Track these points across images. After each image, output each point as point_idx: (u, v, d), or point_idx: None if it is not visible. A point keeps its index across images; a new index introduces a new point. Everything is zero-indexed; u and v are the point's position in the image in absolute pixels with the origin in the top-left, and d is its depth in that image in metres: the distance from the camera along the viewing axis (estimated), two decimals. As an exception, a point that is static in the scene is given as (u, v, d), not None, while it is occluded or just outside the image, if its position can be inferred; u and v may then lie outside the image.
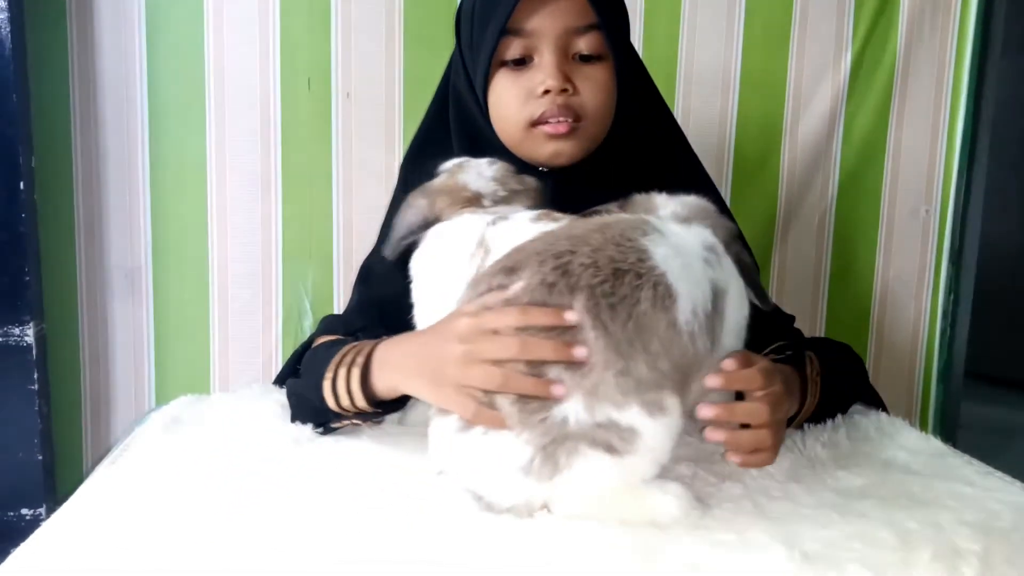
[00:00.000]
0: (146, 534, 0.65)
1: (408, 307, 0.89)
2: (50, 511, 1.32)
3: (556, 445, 0.65)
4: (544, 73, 0.92)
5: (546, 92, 0.92)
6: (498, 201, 0.88)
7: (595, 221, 0.73)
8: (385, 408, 0.83)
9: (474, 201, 0.87)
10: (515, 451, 0.66)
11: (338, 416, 0.85)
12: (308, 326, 1.43)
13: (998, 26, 1.70)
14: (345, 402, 0.81)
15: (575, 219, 0.79)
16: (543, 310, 0.66)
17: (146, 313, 1.43)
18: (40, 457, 1.30)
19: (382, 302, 0.98)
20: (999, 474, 0.81)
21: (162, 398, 1.41)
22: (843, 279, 1.66)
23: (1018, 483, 0.80)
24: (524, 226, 0.80)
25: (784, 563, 0.60)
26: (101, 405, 1.44)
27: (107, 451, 1.37)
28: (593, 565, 0.60)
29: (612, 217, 0.76)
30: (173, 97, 1.38)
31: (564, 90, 0.93)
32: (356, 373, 0.80)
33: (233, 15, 1.37)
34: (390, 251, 0.89)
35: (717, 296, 0.71)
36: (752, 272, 0.78)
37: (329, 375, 0.82)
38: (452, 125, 1.04)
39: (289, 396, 0.93)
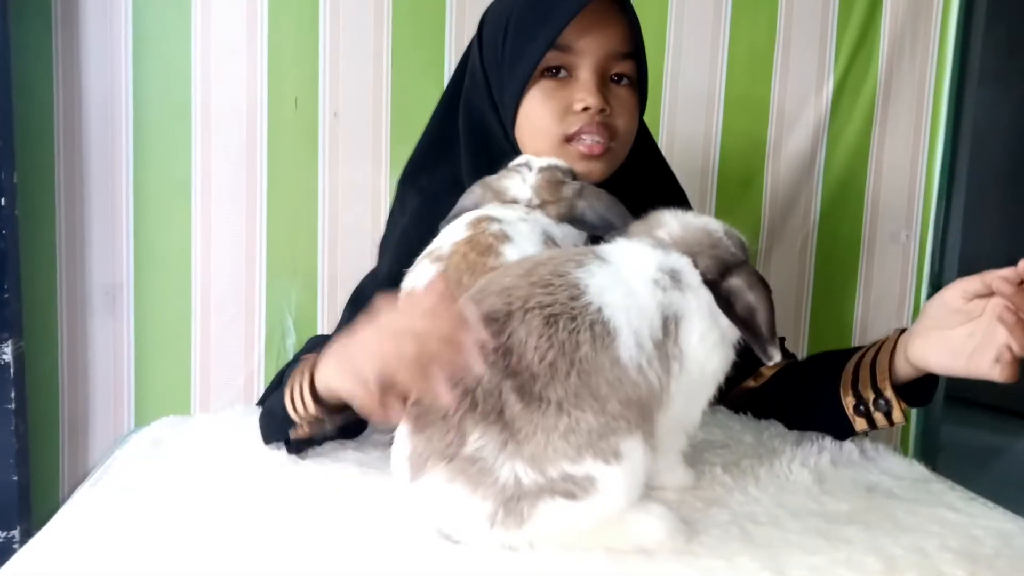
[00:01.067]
0: (127, 559, 0.64)
1: None
2: (24, 533, 1.29)
3: (515, 501, 0.63)
4: (584, 91, 0.94)
5: (585, 109, 0.94)
6: (532, 208, 0.87)
7: (527, 262, 0.71)
8: (331, 412, 0.79)
9: (512, 204, 0.87)
10: (475, 505, 0.64)
11: (295, 426, 0.81)
12: (291, 346, 1.42)
13: (975, 56, 1.73)
14: (300, 408, 0.78)
15: (514, 262, 0.76)
16: (450, 315, 0.61)
17: (127, 331, 1.41)
18: (15, 478, 1.28)
19: None
20: (982, 500, 0.82)
21: (142, 418, 1.39)
22: (825, 302, 1.68)
23: (1000, 509, 0.80)
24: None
25: None
26: (80, 425, 1.41)
27: (85, 472, 1.36)
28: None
29: (546, 254, 0.74)
30: (159, 113, 1.38)
31: (602, 110, 0.94)
32: (307, 375, 0.78)
33: (221, 33, 1.37)
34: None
35: (668, 322, 0.69)
36: (750, 312, 0.73)
37: (289, 384, 0.80)
38: (466, 139, 1.03)
39: (260, 416, 0.91)
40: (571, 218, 0.87)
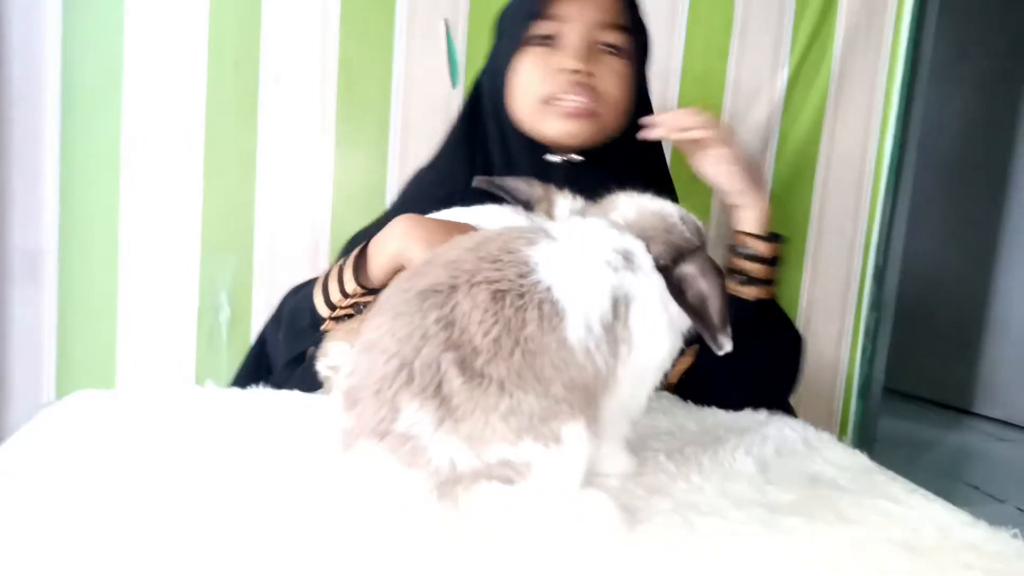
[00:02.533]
0: (21, 542, 0.59)
1: None
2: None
3: (450, 484, 0.61)
4: (565, 52, 0.98)
5: (563, 71, 0.98)
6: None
7: (476, 237, 0.69)
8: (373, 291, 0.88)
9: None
10: (411, 483, 0.61)
11: (322, 322, 0.90)
12: (224, 321, 1.36)
13: (926, 55, 1.75)
14: (336, 296, 0.89)
15: (463, 237, 0.73)
16: None
17: (49, 300, 1.33)
18: (-80, 453, 1.20)
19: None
20: (923, 491, 0.81)
21: (64, 392, 1.32)
22: (771, 292, 1.68)
23: (940, 500, 0.80)
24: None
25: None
26: (-6, 398, 1.34)
27: (-4, 448, 1.28)
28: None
29: (496, 230, 0.72)
30: (89, 70, 1.30)
31: (583, 71, 0.98)
32: (349, 264, 0.89)
33: (157, -12, 1.30)
34: (482, 181, 0.88)
35: (619, 304, 0.67)
36: (701, 300, 0.71)
37: (319, 281, 0.92)
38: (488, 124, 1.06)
39: (282, 331, 0.97)
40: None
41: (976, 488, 2.01)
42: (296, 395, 0.92)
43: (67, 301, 1.33)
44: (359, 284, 0.89)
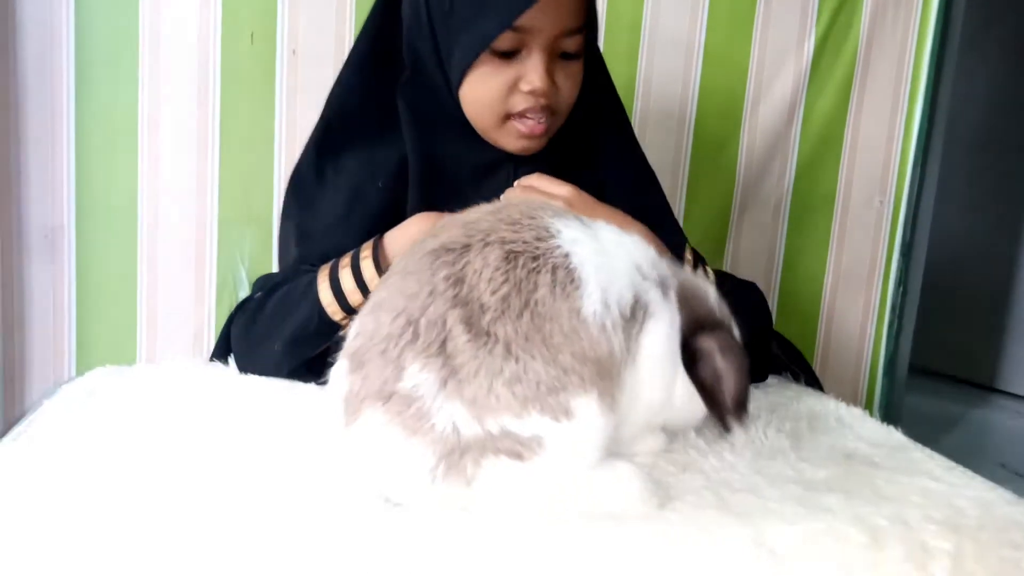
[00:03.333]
0: (41, 519, 0.58)
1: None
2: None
3: (458, 455, 0.58)
4: (533, 73, 0.91)
5: (531, 91, 0.92)
6: None
7: (499, 203, 0.69)
8: None
9: None
10: (415, 456, 0.58)
11: (334, 323, 0.86)
12: (244, 296, 1.35)
13: (956, 25, 1.70)
14: (355, 296, 0.86)
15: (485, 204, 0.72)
16: None
17: (67, 278, 1.32)
18: (-57, 429, 1.20)
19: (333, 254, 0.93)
20: (962, 468, 0.79)
21: (84, 370, 1.31)
22: (795, 269, 1.65)
23: (979, 478, 0.78)
24: None
25: (752, 562, 0.56)
26: (16, 376, 1.33)
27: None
28: (544, 565, 0.55)
29: (520, 198, 0.71)
30: (103, 43, 1.28)
31: (548, 93, 0.93)
32: (368, 260, 0.86)
33: (172, -42, 1.27)
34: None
35: (638, 308, 0.64)
36: (715, 379, 0.68)
37: (325, 279, 0.87)
38: (405, 92, 0.98)
39: (267, 348, 0.91)
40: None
41: (1003, 466, 1.98)
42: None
43: (85, 277, 1.32)
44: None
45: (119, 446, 0.71)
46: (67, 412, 0.81)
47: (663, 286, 0.68)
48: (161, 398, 0.85)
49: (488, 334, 0.58)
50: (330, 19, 1.33)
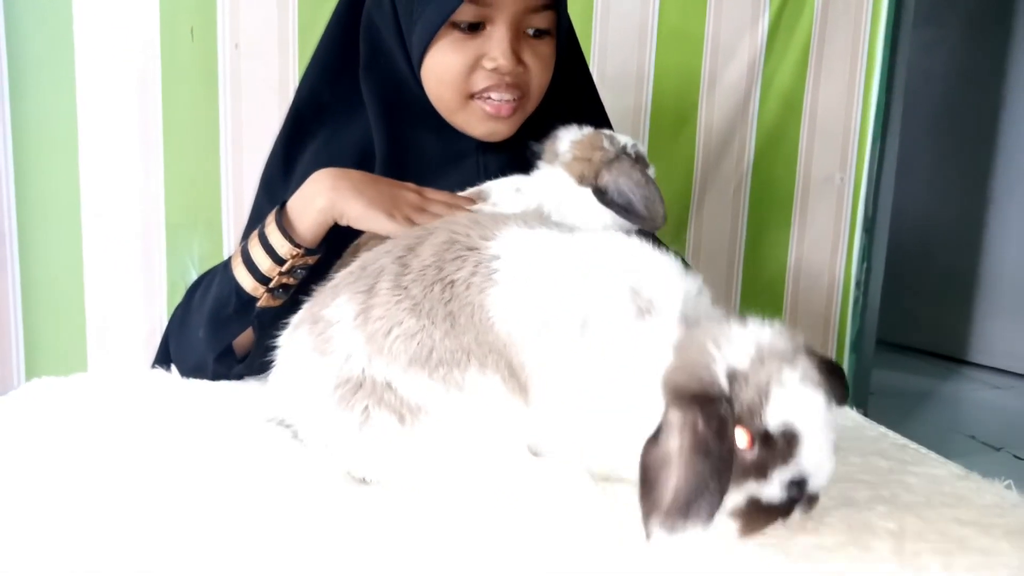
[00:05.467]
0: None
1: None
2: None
3: (351, 389, 0.63)
4: (496, 49, 0.88)
5: (495, 69, 0.88)
6: (563, 163, 0.91)
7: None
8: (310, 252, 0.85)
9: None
10: (319, 375, 0.64)
11: (252, 300, 0.85)
12: (194, 299, 1.32)
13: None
14: (266, 265, 0.83)
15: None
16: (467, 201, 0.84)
17: (12, 285, 1.29)
18: None
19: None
20: (914, 446, 0.79)
21: (32, 376, 1.27)
22: (758, 248, 1.65)
23: (932, 453, 0.77)
24: None
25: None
26: (-38, 387, 1.30)
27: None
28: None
29: (524, 212, 0.78)
30: (36, 45, 1.24)
31: (512, 71, 0.89)
32: (272, 227, 0.84)
33: (105, -48, 1.24)
34: None
35: (583, 321, 0.59)
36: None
37: (238, 257, 0.85)
38: (368, 77, 0.96)
39: (187, 332, 0.90)
40: (594, 187, 0.86)
41: (972, 437, 2.00)
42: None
43: (30, 285, 1.29)
44: (295, 245, 0.83)
45: (54, 458, 0.69)
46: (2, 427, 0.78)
47: (646, 310, 0.59)
48: (101, 409, 0.82)
49: (404, 289, 0.63)
50: (272, 11, 1.30)
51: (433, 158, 0.95)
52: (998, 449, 1.96)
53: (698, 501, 0.48)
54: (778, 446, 0.51)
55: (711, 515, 0.48)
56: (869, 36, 1.64)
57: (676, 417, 0.50)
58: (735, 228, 1.63)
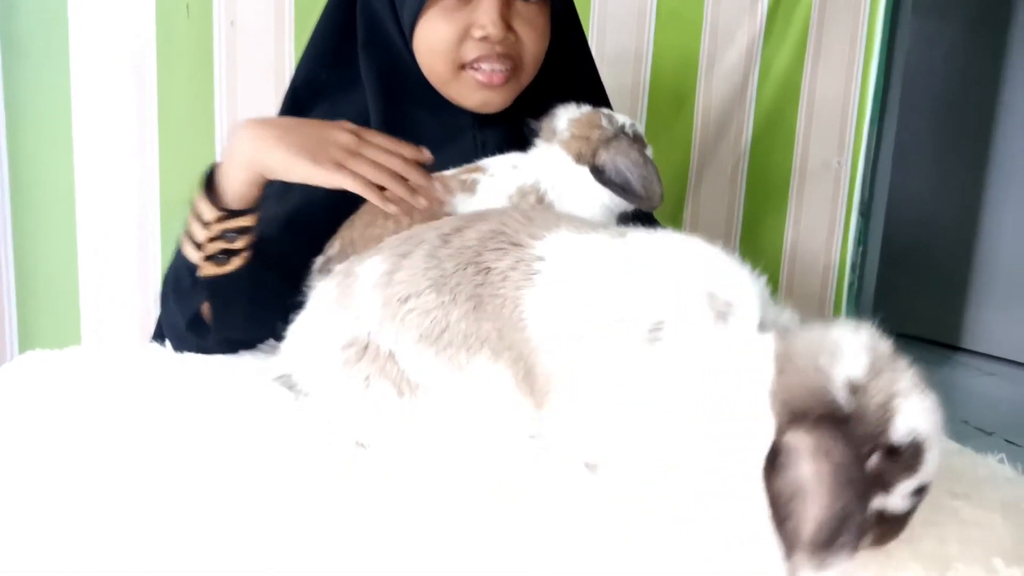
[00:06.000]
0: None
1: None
2: None
3: (360, 350, 0.63)
4: (485, 17, 0.86)
5: (484, 38, 0.86)
6: (561, 141, 0.89)
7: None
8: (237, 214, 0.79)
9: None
10: (336, 330, 0.64)
11: (195, 272, 0.81)
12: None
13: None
14: (201, 235, 0.79)
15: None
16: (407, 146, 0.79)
17: (6, 270, 1.28)
18: None
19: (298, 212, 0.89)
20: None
21: (28, 359, 1.28)
22: (754, 230, 1.65)
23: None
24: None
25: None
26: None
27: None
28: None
29: (575, 216, 0.72)
30: (30, 25, 1.23)
31: (503, 39, 0.87)
32: (198, 192, 0.79)
33: (100, -71, 1.22)
34: None
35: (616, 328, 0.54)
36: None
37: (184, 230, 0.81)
38: (365, 55, 0.95)
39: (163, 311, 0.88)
40: (592, 166, 0.85)
41: (965, 422, 2.01)
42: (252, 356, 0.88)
43: (24, 267, 1.28)
44: (219, 208, 0.78)
45: (48, 432, 0.69)
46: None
47: (723, 314, 0.54)
48: (94, 383, 0.82)
49: (437, 259, 0.62)
50: (268, -12, 1.29)
51: (430, 135, 0.94)
52: (990, 434, 1.97)
53: (845, 531, 0.45)
54: (903, 458, 0.49)
55: (858, 542, 0.46)
56: (868, 21, 1.64)
57: (804, 442, 0.46)
58: (731, 210, 1.63)
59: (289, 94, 0.99)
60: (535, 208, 0.82)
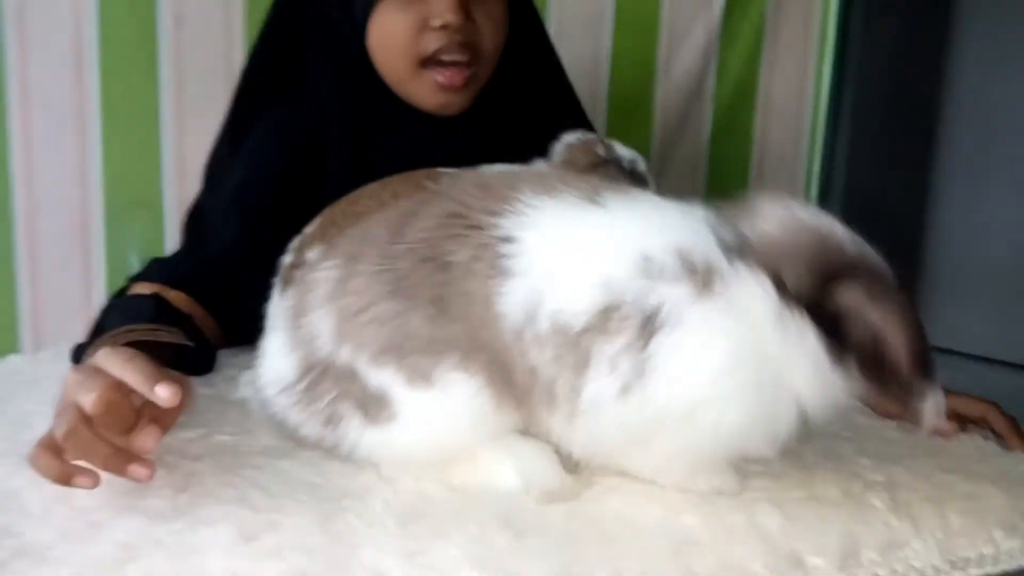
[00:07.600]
0: None
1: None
2: None
3: (318, 376, 0.55)
4: (443, 4, 0.82)
5: (444, 27, 0.83)
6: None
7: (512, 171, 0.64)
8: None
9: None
10: (283, 362, 0.57)
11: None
12: (138, 285, 1.25)
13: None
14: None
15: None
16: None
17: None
18: None
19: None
20: (889, 403, 0.78)
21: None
22: (715, 228, 1.65)
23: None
24: None
25: (696, 504, 0.53)
26: None
27: None
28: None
29: (530, 171, 0.67)
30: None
31: (461, 27, 0.83)
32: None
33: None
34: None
35: (649, 322, 0.49)
36: (873, 340, 0.51)
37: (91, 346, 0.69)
38: (314, 55, 0.90)
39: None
40: None
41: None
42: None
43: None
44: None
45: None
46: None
47: (707, 275, 0.51)
48: (26, 390, 0.77)
49: (391, 259, 0.54)
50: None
51: (392, 144, 0.91)
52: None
53: (926, 345, 0.51)
54: None
55: None
56: (821, 19, 1.66)
57: (857, 292, 0.50)
58: (692, 208, 1.63)
59: (234, 98, 0.95)
60: (491, 169, 0.67)
